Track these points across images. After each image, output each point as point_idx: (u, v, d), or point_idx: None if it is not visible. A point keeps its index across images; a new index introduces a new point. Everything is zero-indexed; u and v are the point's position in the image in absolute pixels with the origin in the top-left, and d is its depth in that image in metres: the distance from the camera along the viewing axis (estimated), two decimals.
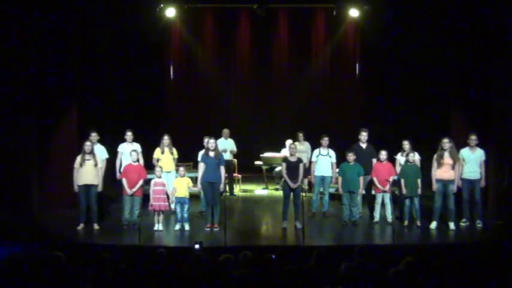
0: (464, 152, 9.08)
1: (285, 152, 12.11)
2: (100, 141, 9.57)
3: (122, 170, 9.42)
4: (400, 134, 10.47)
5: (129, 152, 9.30)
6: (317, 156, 9.88)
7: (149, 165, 10.02)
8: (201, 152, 9.41)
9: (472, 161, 9.01)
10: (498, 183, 9.47)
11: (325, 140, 9.90)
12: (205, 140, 9.57)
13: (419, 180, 9.02)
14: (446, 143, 8.92)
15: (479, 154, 9.05)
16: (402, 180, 9.05)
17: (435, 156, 9.04)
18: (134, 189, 8.96)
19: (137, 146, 9.76)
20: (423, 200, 9.28)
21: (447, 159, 8.91)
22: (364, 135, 9.71)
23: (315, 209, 9.95)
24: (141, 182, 9.04)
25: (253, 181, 13.27)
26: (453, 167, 8.93)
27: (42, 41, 9.86)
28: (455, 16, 10.62)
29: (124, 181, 9.04)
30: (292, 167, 9.05)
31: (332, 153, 9.88)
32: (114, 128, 11.59)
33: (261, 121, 14.50)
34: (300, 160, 9.18)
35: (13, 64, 9.32)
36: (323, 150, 9.88)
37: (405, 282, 4.82)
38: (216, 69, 14.48)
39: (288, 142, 12.16)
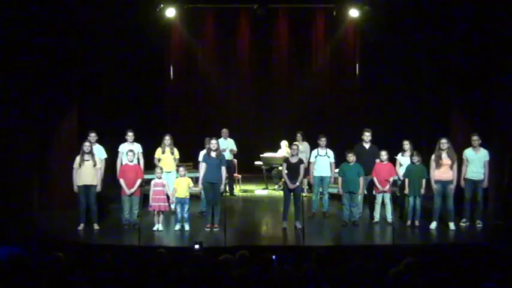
0: (468, 152, 9.06)
1: (281, 153, 12.10)
2: (100, 141, 9.57)
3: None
4: (400, 134, 10.46)
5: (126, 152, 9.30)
6: (315, 156, 9.85)
7: (150, 165, 10.02)
8: (202, 152, 9.41)
9: (475, 161, 8.99)
10: (498, 183, 9.46)
11: (322, 141, 9.86)
12: (207, 140, 9.57)
13: (424, 181, 8.99)
14: (444, 143, 8.90)
15: (483, 154, 9.03)
16: (406, 180, 9.05)
17: (433, 156, 9.02)
18: (133, 190, 8.96)
19: (138, 146, 9.76)
20: (423, 201, 9.26)
21: (445, 159, 8.89)
22: (367, 135, 9.68)
23: (315, 209, 9.95)
24: (139, 182, 9.04)
25: (253, 181, 13.25)
26: (451, 167, 8.92)
27: (42, 41, 9.85)
28: (456, 15, 10.61)
29: (122, 181, 9.04)
30: (293, 167, 9.03)
31: (330, 153, 9.85)
32: (114, 128, 11.60)
33: (261, 121, 14.49)
34: (301, 161, 9.15)
35: (13, 64, 9.31)
36: (321, 151, 9.86)
37: (405, 282, 4.82)
38: (216, 69, 14.46)
39: (283, 143, 12.14)
